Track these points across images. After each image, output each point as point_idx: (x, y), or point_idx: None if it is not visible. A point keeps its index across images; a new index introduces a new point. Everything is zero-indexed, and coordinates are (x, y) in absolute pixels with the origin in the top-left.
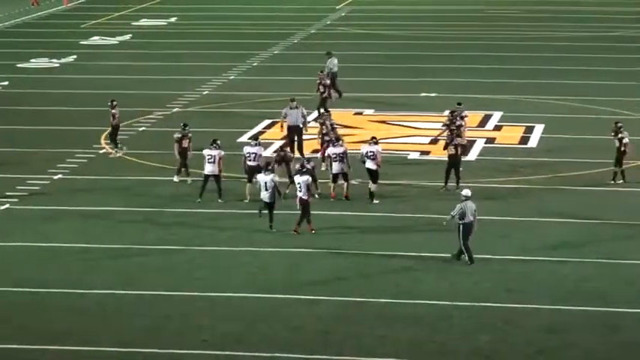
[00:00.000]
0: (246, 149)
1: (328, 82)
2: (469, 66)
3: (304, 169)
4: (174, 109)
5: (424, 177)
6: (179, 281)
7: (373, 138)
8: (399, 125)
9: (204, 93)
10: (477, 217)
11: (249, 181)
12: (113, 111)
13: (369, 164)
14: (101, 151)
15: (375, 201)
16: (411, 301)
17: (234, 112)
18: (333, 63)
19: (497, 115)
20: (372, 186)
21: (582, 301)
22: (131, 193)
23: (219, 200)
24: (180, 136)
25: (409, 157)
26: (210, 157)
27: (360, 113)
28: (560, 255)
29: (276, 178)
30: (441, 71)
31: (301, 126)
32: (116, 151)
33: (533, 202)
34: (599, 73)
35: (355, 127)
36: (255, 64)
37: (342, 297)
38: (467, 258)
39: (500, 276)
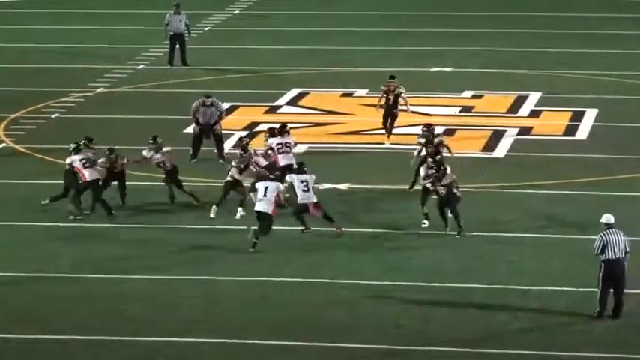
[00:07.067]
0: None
1: None
2: (496, 30)
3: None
4: (98, 89)
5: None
6: (102, 321)
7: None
8: (402, 110)
9: (139, 67)
10: (626, 249)
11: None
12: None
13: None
14: None
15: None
16: None
17: (180, 94)
18: (180, 20)
19: (534, 97)
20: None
21: None
22: (39, 204)
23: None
24: (150, 154)
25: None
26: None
27: (350, 94)
28: None
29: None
30: (458, 37)
31: (213, 123)
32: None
33: (584, 213)
34: None
35: (343, 114)
36: (207, 28)
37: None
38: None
39: None
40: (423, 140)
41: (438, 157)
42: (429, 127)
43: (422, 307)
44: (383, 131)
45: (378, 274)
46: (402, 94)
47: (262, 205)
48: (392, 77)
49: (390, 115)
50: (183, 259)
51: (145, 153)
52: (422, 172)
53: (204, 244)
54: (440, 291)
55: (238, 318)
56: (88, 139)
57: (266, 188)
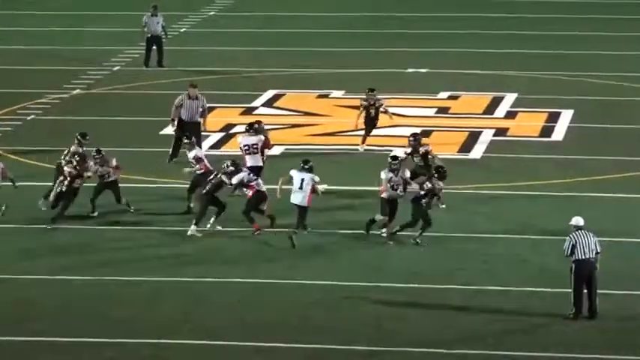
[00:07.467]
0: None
1: None
2: (471, 31)
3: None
4: (75, 91)
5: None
6: (83, 323)
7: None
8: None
9: (115, 69)
10: (596, 251)
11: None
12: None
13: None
14: None
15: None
16: None
17: (156, 95)
18: (157, 23)
19: (510, 98)
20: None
21: None
22: (14, 205)
23: (129, 209)
24: (95, 168)
25: (394, 154)
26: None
27: (326, 96)
28: None
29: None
30: (433, 38)
31: (199, 121)
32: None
33: (560, 214)
34: None
35: (319, 115)
36: (183, 29)
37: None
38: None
39: None
40: (409, 150)
41: (429, 162)
42: (415, 136)
43: (399, 308)
44: (359, 132)
45: (355, 275)
46: (384, 108)
47: (298, 198)
48: (371, 90)
49: (371, 124)
50: (163, 261)
51: (92, 167)
52: (382, 175)
53: (184, 246)
54: (417, 292)
55: (217, 320)
56: (82, 134)
57: (302, 180)
